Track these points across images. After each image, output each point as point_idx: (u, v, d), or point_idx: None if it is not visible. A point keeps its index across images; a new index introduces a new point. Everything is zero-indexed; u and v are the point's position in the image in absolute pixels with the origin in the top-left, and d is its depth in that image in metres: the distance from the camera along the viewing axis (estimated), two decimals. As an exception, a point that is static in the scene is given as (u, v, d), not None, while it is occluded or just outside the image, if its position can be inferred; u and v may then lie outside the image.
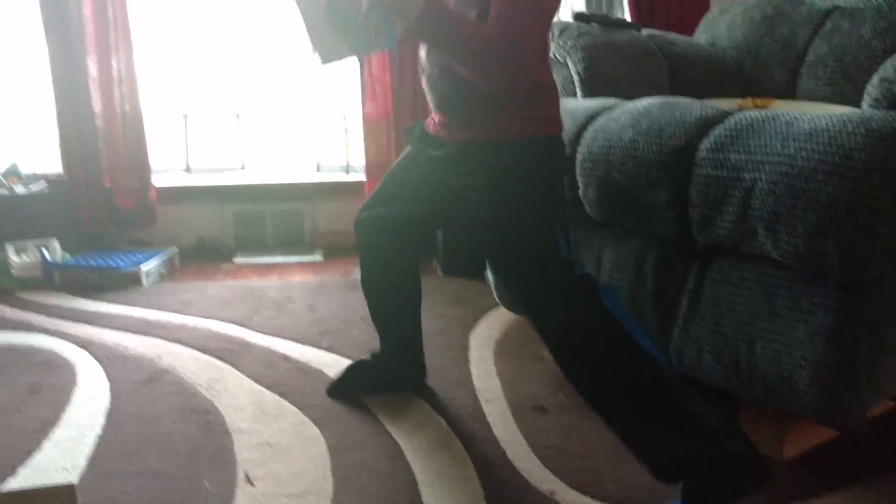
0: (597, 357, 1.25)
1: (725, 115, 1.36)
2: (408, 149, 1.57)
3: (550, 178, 1.33)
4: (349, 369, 1.76)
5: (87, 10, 2.78)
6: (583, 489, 1.35)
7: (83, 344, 2.05)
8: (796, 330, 1.24)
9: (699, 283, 1.39)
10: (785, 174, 1.18)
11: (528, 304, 1.31)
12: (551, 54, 1.89)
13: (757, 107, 1.60)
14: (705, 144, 1.32)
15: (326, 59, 1.27)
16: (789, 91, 2.00)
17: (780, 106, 1.64)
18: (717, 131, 1.32)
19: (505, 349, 1.98)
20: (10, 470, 1.42)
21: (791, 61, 2.01)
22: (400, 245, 1.59)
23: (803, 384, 1.24)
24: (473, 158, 1.33)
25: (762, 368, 1.30)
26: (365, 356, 1.78)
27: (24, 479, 1.39)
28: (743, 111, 1.37)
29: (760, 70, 2.07)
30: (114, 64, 2.83)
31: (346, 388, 1.73)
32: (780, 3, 2.09)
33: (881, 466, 1.41)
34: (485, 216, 1.32)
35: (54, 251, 2.69)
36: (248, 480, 1.38)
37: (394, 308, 1.67)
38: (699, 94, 1.59)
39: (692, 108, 1.40)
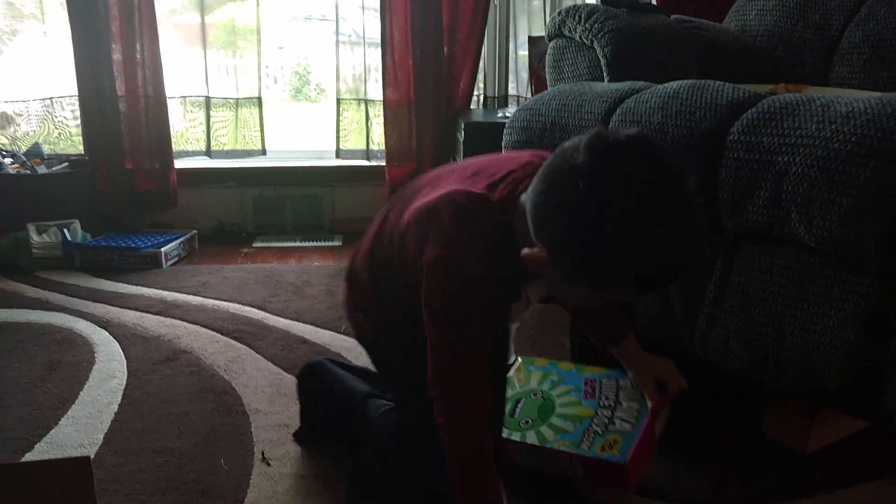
0: None
1: (759, 97, 1.33)
2: None
3: None
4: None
5: (112, -6, 2.78)
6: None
7: (102, 323, 2.05)
8: (828, 318, 1.20)
9: (727, 270, 1.36)
10: (820, 157, 1.15)
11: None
12: (577, 37, 1.86)
13: (790, 92, 1.56)
14: (737, 127, 1.29)
15: None
16: (821, 79, 1.96)
17: (813, 92, 1.61)
18: (750, 114, 1.29)
19: (524, 336, 1.95)
20: (28, 444, 1.42)
21: (824, 48, 1.96)
22: None
23: (833, 374, 1.21)
24: None
25: (791, 357, 1.27)
26: None
27: (40, 454, 1.39)
28: (777, 95, 1.33)
29: (792, 57, 2.03)
30: (137, 47, 2.83)
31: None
32: (814, -10, 2.05)
33: (911, 461, 1.38)
34: None
35: (75, 232, 2.70)
36: (265, 460, 1.37)
37: None
38: (729, 81, 1.56)
39: (724, 90, 1.37)
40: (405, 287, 1.14)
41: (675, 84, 1.44)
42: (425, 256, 1.07)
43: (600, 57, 1.79)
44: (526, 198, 1.02)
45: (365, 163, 3.17)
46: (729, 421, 1.52)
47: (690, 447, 1.42)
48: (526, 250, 1.01)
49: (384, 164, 3.06)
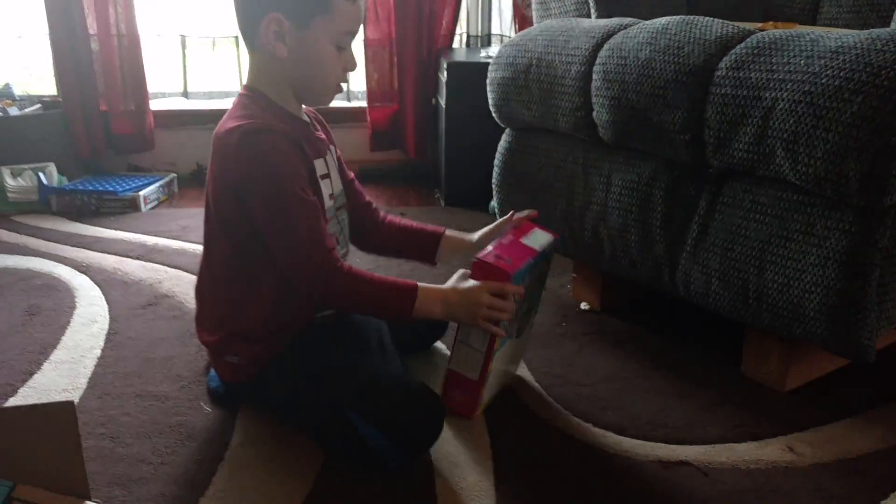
0: None
1: (748, 33, 1.31)
2: None
3: None
4: None
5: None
6: (585, 417, 1.34)
7: (82, 268, 2.03)
8: (809, 255, 1.21)
9: (710, 209, 1.35)
10: (808, 93, 1.13)
11: None
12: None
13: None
14: (725, 63, 1.27)
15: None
16: (810, 19, 1.92)
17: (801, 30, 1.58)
18: (739, 49, 1.27)
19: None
20: (11, 390, 1.41)
21: (813, -14, 1.93)
22: None
23: (813, 310, 1.22)
24: None
25: (771, 295, 1.27)
26: None
27: (23, 398, 1.38)
28: (766, 31, 1.31)
29: (780, -5, 2.00)
30: (108, -17, 2.74)
31: None
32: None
33: (887, 396, 1.40)
34: None
35: (51, 175, 2.65)
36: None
37: None
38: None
39: (712, 26, 1.34)
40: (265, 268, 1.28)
41: (663, 19, 1.41)
42: (227, 162, 1.22)
43: (586, -8, 1.75)
44: (248, 70, 1.27)
45: (345, 104, 3.12)
46: (708, 361, 1.53)
47: (670, 387, 1.44)
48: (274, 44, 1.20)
49: (365, 104, 3.01)
